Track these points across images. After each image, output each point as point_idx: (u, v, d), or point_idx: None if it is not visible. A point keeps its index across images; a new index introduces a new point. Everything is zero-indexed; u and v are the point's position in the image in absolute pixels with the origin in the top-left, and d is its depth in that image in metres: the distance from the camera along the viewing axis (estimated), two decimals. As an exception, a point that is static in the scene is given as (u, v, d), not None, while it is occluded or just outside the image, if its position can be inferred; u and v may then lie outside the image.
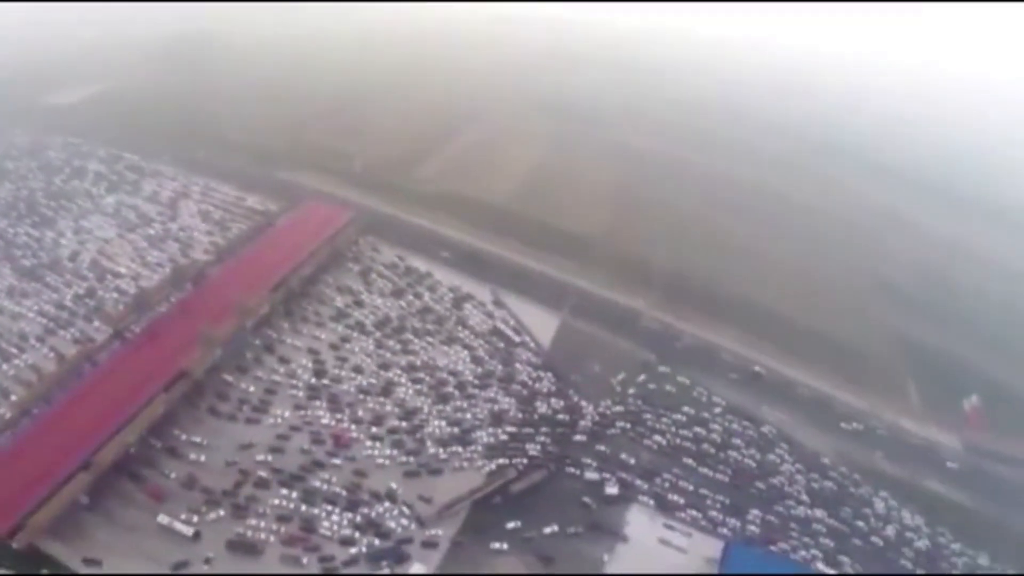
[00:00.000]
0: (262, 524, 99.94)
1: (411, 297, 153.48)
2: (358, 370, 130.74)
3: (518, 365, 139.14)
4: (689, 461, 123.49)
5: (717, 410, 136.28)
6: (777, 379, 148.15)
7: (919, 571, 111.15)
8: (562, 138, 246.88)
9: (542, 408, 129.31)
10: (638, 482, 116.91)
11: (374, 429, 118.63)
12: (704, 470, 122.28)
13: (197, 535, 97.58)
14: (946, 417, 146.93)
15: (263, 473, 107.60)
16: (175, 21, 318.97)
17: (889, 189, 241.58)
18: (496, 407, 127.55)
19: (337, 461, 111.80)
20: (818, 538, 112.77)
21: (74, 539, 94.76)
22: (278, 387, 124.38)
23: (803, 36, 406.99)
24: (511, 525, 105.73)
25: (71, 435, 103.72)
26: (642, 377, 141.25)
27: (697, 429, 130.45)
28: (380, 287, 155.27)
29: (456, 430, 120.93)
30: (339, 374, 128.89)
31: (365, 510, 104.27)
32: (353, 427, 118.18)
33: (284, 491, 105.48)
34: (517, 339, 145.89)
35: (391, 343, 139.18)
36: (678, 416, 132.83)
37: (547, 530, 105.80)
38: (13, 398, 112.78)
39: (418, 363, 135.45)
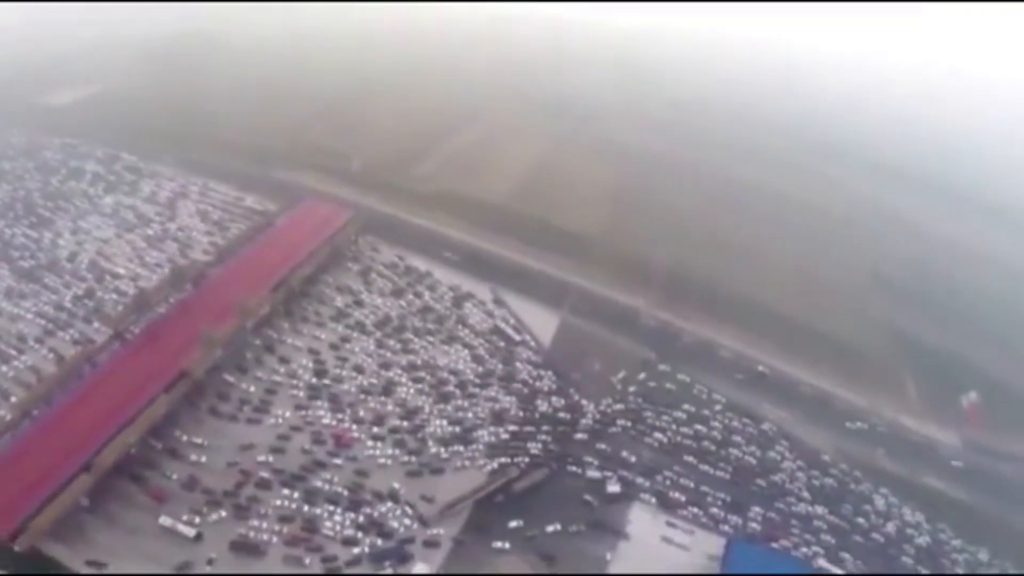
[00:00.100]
0: (264, 525, 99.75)
1: (411, 296, 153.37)
2: (359, 370, 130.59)
3: (518, 364, 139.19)
4: (690, 459, 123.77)
5: (717, 407, 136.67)
6: (777, 376, 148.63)
7: (920, 567, 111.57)
8: (561, 137, 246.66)
9: (543, 407, 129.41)
10: (639, 480, 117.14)
11: (375, 429, 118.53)
12: (705, 467, 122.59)
13: (199, 536, 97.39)
14: (945, 414, 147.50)
15: (265, 474, 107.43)
16: (175, 21, 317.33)
17: (888, 188, 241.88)
18: (497, 406, 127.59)
19: (338, 461, 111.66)
20: (819, 535, 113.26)
21: (76, 541, 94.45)
22: (279, 387, 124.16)
23: (803, 35, 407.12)
24: (513, 524, 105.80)
25: (72, 437, 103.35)
26: (642, 375, 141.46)
27: (698, 427, 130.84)
28: (380, 286, 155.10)
29: (457, 429, 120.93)
30: (340, 374, 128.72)
31: (367, 510, 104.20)
32: (354, 427, 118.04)
33: (286, 491, 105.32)
34: (517, 338, 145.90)
35: (391, 343, 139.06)
36: (678, 414, 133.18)
37: (549, 529, 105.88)
38: (13, 400, 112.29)
39: (419, 362, 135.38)
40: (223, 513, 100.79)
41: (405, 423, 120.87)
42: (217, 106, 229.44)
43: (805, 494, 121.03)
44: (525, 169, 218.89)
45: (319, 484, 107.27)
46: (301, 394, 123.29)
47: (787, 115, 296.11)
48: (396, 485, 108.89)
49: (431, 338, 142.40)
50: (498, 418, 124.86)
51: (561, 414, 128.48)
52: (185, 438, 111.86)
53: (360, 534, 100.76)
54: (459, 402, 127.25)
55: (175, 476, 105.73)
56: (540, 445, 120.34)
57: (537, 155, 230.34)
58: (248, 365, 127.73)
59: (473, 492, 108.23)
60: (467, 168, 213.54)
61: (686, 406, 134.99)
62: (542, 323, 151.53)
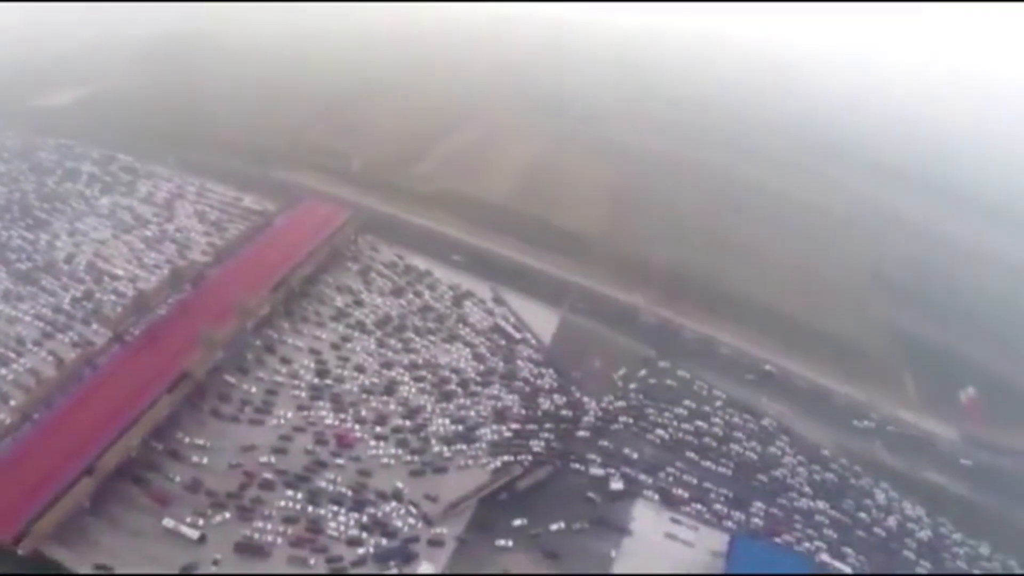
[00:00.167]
0: (268, 526, 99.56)
1: (411, 295, 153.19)
2: (360, 369, 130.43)
3: (519, 362, 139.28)
4: (692, 455, 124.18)
5: (718, 403, 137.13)
6: (777, 373, 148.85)
7: (922, 561, 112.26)
8: (561, 136, 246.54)
9: (545, 404, 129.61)
10: (642, 477, 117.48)
11: (378, 428, 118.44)
12: (707, 464, 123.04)
13: (203, 538, 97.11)
14: (944, 409, 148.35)
15: (268, 475, 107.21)
16: (173, 21, 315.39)
17: (888, 187, 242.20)
18: (499, 404, 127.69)
19: (341, 461, 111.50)
20: (821, 530, 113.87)
21: (79, 544, 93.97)
22: (280, 388, 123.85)
23: (803, 35, 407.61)
24: (517, 522, 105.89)
25: (73, 440, 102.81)
26: (643, 372, 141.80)
27: (699, 423, 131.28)
28: (380, 286, 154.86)
29: (460, 428, 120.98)
30: (341, 374, 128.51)
31: (371, 510, 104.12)
32: (357, 427, 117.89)
33: (289, 492, 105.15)
34: (518, 336, 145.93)
35: (392, 342, 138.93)
36: (679, 410, 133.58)
37: (553, 527, 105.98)
38: (12, 403, 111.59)
39: (420, 361, 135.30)
40: (227, 515, 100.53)
41: (407, 422, 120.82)
42: (214, 106, 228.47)
43: (806, 489, 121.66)
44: (524, 168, 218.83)
45: (323, 484, 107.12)
46: (303, 394, 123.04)
47: (787, 114, 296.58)
48: (399, 484, 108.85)
49: (432, 337, 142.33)
50: (500, 416, 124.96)
51: (563, 412, 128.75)
52: (187, 440, 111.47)
53: (364, 534, 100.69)
54: (461, 401, 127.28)
55: (178, 478, 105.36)
56: (543, 443, 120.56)
57: (536, 154, 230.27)
58: (249, 366, 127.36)
59: (477, 490, 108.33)
60: (466, 168, 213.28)
61: (687, 402, 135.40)
62: (542, 321, 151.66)
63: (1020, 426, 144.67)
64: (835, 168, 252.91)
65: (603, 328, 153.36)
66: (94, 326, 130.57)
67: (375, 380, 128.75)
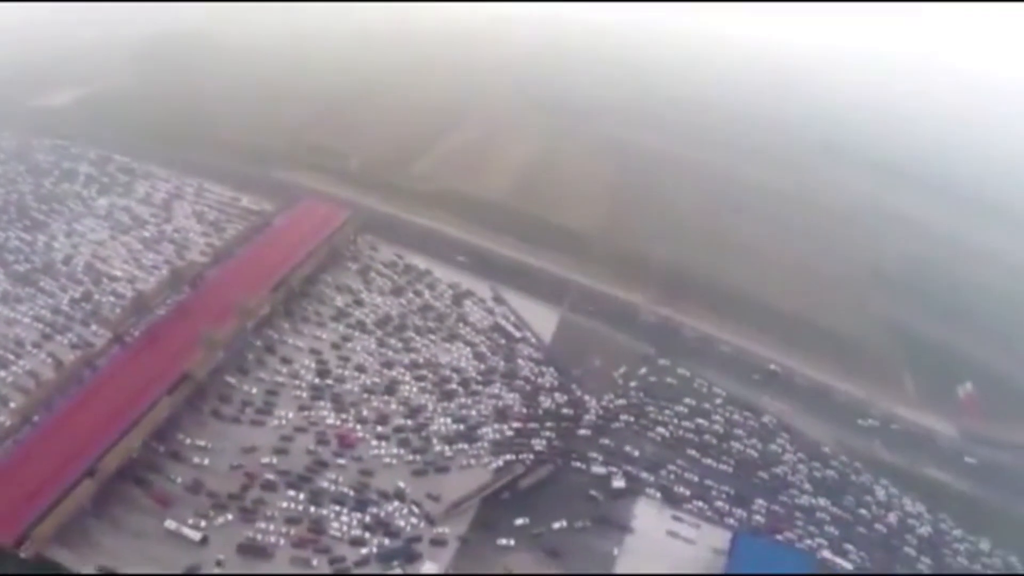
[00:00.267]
0: (271, 527, 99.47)
1: (411, 295, 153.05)
2: (361, 369, 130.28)
3: (520, 361, 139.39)
4: (693, 452, 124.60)
5: (718, 401, 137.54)
6: (781, 372, 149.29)
7: (923, 558, 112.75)
8: (559, 135, 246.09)
9: (546, 403, 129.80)
10: (644, 475, 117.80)
11: (380, 428, 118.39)
12: (708, 461, 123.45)
13: (205, 540, 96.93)
14: (942, 405, 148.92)
15: (270, 475, 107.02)
16: (171, 22, 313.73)
17: (887, 185, 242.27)
18: (500, 403, 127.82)
19: (343, 461, 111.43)
20: (823, 526, 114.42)
21: (81, 547, 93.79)
22: (281, 388, 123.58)
23: (802, 33, 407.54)
24: (519, 521, 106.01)
25: (74, 442, 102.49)
26: (643, 370, 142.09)
27: (699, 420, 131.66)
28: (380, 285, 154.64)
29: (462, 427, 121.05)
30: (342, 374, 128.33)
31: (374, 510, 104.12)
32: (358, 427, 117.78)
33: (291, 493, 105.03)
34: (518, 335, 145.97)
35: (393, 341, 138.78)
36: (680, 408, 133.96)
37: (556, 525, 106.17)
38: (12, 405, 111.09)
39: (421, 361, 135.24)
40: (229, 516, 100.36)
41: (409, 422, 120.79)
42: (211, 106, 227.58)
43: (807, 486, 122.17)
44: (523, 167, 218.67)
45: (325, 485, 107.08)
46: (304, 395, 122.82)
47: (786, 113, 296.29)
48: (402, 484, 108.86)
49: (432, 336, 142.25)
50: (502, 415, 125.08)
51: (564, 410, 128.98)
52: (188, 441, 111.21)
53: (367, 534, 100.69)
54: (462, 400, 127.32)
55: (179, 479, 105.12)
56: (544, 441, 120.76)
57: (535, 153, 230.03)
58: (249, 366, 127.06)
59: (480, 490, 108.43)
60: (466, 167, 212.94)
61: (687, 400, 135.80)
62: (542, 320, 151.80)
63: (1018, 421, 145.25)
64: (834, 167, 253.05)
65: (603, 326, 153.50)
66: (93, 327, 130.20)
67: (376, 380, 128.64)
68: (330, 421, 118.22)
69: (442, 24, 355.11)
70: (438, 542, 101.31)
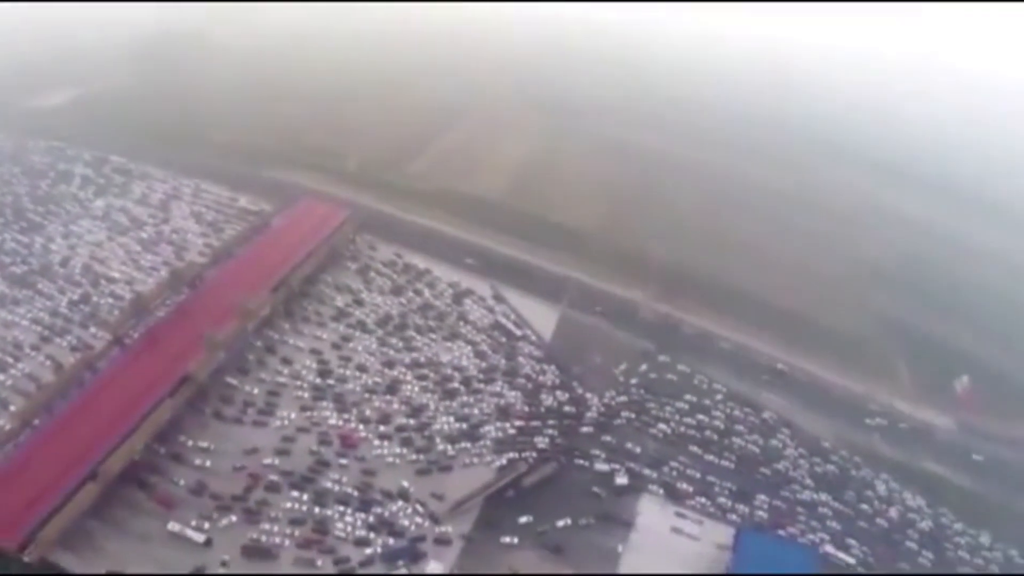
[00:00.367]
0: (275, 528, 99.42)
1: (411, 294, 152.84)
2: (362, 369, 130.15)
3: (521, 359, 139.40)
4: (695, 449, 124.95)
5: (718, 397, 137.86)
6: (772, 363, 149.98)
7: (924, 551, 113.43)
8: (558, 134, 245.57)
9: (548, 401, 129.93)
10: (646, 471, 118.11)
11: (382, 428, 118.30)
12: (710, 457, 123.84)
13: (209, 542, 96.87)
14: (940, 400, 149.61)
15: (273, 476, 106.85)
16: (168, 21, 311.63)
17: (885, 184, 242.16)
18: (502, 401, 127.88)
19: (345, 461, 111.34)
20: (825, 521, 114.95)
21: (85, 550, 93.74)
22: (283, 389, 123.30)
23: (801, 33, 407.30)
24: (523, 520, 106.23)
25: (76, 445, 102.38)
26: (643, 367, 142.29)
27: (700, 416, 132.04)
28: (379, 285, 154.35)
29: (464, 426, 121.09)
30: (344, 373, 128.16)
31: (378, 510, 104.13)
32: (361, 427, 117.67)
33: (295, 493, 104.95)
34: (519, 333, 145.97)
35: (394, 340, 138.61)
36: (681, 404, 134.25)
37: (560, 523, 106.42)
38: (12, 408, 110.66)
39: (422, 360, 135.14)
40: (233, 518, 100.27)
41: (411, 421, 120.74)
42: (208, 106, 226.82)
43: (808, 481, 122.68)
44: (522, 166, 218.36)
45: (328, 485, 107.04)
46: (306, 395, 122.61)
47: (786, 113, 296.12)
48: (405, 484, 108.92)
49: (433, 335, 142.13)
50: (504, 413, 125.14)
51: (566, 408, 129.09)
52: (190, 443, 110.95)
53: (372, 534, 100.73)
54: (464, 398, 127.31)
55: (182, 482, 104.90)
56: (547, 439, 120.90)
57: (534, 152, 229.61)
58: (250, 367, 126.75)
59: (484, 488, 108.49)
60: (463, 166, 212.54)
61: (688, 396, 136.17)
62: (542, 318, 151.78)
63: (1016, 417, 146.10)
64: (834, 166, 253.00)
65: (603, 323, 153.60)
66: (92, 329, 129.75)
67: (377, 379, 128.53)
68: (332, 421, 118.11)
69: (441, 24, 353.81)
70: (442, 541, 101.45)
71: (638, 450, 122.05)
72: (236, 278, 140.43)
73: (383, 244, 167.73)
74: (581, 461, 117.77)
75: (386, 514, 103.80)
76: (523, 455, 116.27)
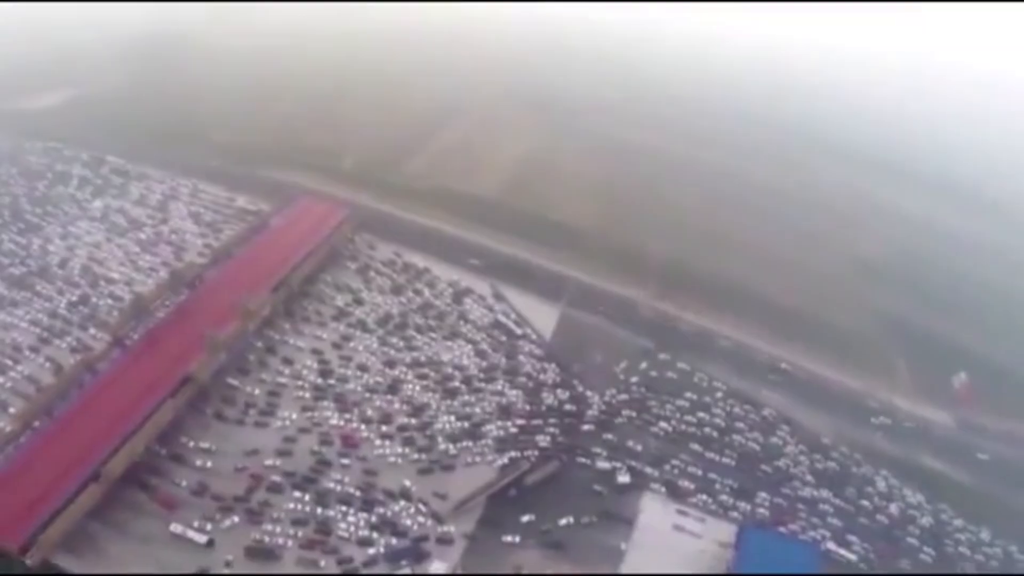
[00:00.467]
0: (278, 529, 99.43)
1: (411, 293, 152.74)
2: (363, 368, 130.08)
3: (521, 357, 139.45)
4: (695, 446, 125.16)
5: (718, 395, 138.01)
6: (775, 362, 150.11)
7: (925, 548, 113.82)
8: (557, 133, 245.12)
9: (548, 399, 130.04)
10: (648, 469, 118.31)
11: (383, 427, 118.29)
12: (711, 455, 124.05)
13: (211, 543, 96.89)
14: (938, 396, 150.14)
15: (275, 477, 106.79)
16: (164, 22, 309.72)
17: (885, 182, 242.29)
18: (503, 400, 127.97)
19: (347, 461, 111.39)
20: (826, 518, 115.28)
21: (87, 552, 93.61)
22: (284, 389, 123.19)
23: (800, 32, 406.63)
24: (526, 518, 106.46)
25: (77, 447, 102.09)
26: (644, 365, 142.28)
27: (701, 414, 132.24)
28: (379, 284, 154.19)
29: (466, 425, 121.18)
30: (345, 373, 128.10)
31: (381, 510, 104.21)
32: (362, 426, 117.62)
33: (297, 494, 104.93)
34: (519, 332, 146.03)
35: (394, 340, 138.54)
36: (681, 402, 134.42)
37: (562, 521, 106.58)
38: (12, 411, 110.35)
39: (422, 359, 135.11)
40: (235, 519, 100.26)
41: (413, 420, 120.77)
42: (205, 106, 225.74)
43: (809, 478, 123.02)
44: (520, 165, 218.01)
45: (330, 485, 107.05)
46: (307, 395, 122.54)
47: (786, 112, 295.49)
48: (407, 483, 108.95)
49: (433, 334, 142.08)
50: (505, 412, 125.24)
51: (567, 406, 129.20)
52: (192, 444, 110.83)
53: (375, 534, 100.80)
54: (465, 397, 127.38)
55: (184, 483, 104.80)
56: (548, 438, 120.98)
57: (533, 151, 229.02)
58: (251, 368, 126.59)
59: (486, 487, 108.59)
60: (461, 164, 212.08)
61: (688, 394, 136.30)
62: (542, 316, 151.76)
63: (1015, 413, 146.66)
64: (833, 164, 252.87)
65: (602, 322, 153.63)
66: (92, 331, 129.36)
67: (378, 379, 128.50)
68: (334, 421, 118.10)
69: (439, 23, 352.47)
70: (445, 540, 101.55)
71: (639, 448, 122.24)
72: (236, 278, 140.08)
73: (382, 243, 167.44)
74: (583, 459, 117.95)
75: (389, 514, 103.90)
76: (525, 454, 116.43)
